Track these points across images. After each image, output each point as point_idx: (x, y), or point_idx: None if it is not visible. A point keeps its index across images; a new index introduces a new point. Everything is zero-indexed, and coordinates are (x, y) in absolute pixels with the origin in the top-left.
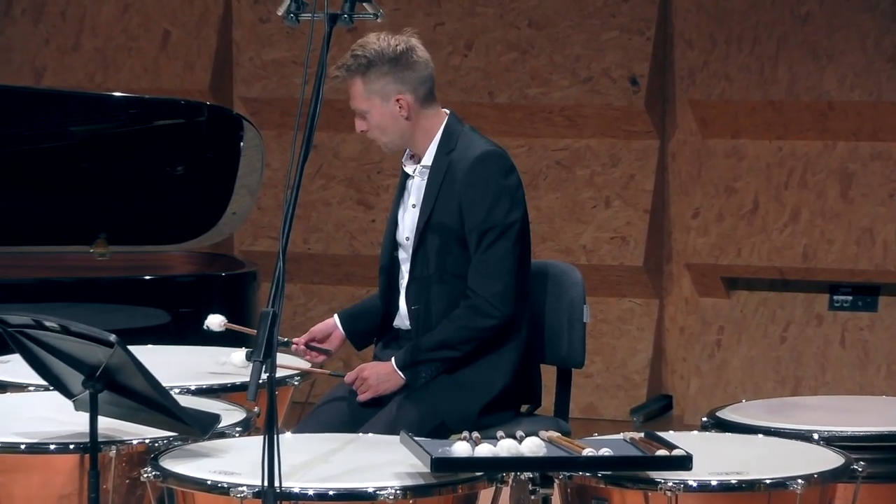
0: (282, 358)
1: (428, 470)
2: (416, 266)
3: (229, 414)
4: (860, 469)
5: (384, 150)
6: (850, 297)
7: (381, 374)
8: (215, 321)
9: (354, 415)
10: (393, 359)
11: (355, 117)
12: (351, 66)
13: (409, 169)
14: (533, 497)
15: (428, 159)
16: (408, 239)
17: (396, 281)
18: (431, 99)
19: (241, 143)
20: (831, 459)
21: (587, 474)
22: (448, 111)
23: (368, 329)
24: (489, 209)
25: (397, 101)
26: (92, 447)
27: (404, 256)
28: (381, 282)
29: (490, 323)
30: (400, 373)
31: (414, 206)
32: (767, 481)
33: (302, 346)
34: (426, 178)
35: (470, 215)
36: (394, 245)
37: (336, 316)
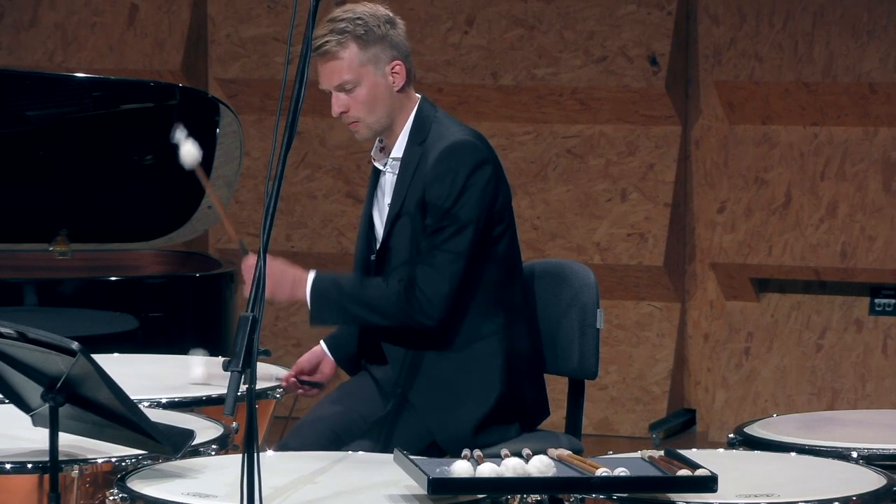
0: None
1: (425, 492)
2: (385, 265)
3: (204, 430)
4: None
5: (360, 136)
6: (893, 301)
7: (284, 278)
8: (197, 365)
9: (339, 433)
10: (311, 276)
11: (333, 96)
12: (346, 29)
13: (379, 164)
14: None
15: (398, 151)
16: None
17: None
18: (412, 75)
19: (218, 130)
20: (872, 481)
21: (601, 496)
22: (420, 95)
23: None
24: (453, 202)
25: (393, 69)
26: (52, 467)
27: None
28: None
29: (424, 323)
30: (308, 292)
31: (389, 204)
32: None
33: (293, 381)
34: (397, 171)
35: (431, 205)
36: (370, 248)
37: (322, 342)
